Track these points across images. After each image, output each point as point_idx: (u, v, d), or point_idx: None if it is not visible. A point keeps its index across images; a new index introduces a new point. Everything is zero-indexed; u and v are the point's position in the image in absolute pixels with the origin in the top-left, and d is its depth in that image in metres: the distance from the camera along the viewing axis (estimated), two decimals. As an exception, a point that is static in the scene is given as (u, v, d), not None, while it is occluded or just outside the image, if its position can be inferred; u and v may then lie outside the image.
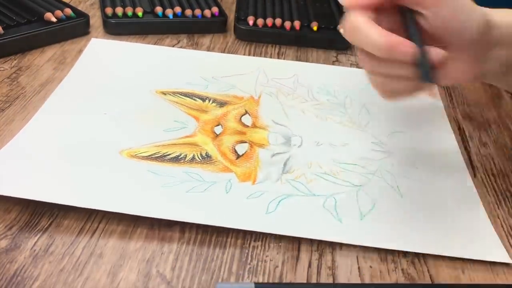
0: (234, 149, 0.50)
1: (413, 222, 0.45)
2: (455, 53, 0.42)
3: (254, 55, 0.68)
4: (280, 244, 0.42)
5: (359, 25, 0.39)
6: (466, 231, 0.44)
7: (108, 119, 0.52)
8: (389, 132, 0.56)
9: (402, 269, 0.41)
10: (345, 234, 0.42)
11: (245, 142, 0.51)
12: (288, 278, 0.39)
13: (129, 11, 0.69)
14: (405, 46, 0.38)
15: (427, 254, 0.42)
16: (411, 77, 0.39)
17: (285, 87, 0.61)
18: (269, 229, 0.42)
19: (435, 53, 0.40)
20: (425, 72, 0.37)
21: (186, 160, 0.48)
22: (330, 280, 0.39)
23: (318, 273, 0.40)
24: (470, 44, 0.42)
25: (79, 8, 0.70)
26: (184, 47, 0.68)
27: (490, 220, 0.46)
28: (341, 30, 0.41)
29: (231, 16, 0.74)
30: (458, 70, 0.43)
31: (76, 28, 0.66)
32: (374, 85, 0.44)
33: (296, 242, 0.42)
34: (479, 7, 0.43)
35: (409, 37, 0.39)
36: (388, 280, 0.40)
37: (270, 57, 0.68)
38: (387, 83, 0.42)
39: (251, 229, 0.42)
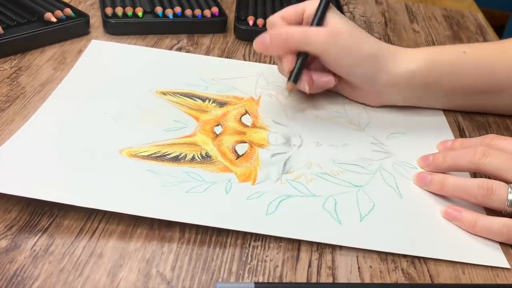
0: (234, 149, 0.50)
1: (412, 224, 0.45)
2: (349, 85, 0.56)
3: (254, 55, 0.68)
4: (280, 244, 0.42)
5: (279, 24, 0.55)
6: (465, 234, 0.44)
7: (108, 119, 0.52)
8: (389, 133, 0.56)
9: (402, 269, 0.41)
10: (345, 237, 0.42)
11: (245, 142, 0.51)
12: (288, 278, 0.39)
13: (129, 11, 0.69)
14: (288, 64, 0.54)
15: (427, 254, 0.42)
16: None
17: (285, 89, 0.61)
18: (269, 231, 0.42)
19: (327, 79, 0.55)
20: (290, 77, 0.54)
21: (186, 160, 0.48)
22: (330, 280, 0.39)
23: (318, 273, 0.40)
24: (358, 84, 0.55)
25: (79, 8, 0.70)
26: (184, 47, 0.67)
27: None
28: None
29: (231, 16, 0.74)
30: (356, 96, 0.58)
31: (76, 28, 0.66)
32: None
33: (296, 242, 0.42)
34: (378, 48, 0.55)
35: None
36: (388, 280, 0.40)
37: (270, 58, 0.68)
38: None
39: (252, 231, 0.42)
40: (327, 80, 0.55)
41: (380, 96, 0.57)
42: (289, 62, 0.53)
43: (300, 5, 0.56)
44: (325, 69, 0.56)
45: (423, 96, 0.57)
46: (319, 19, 0.54)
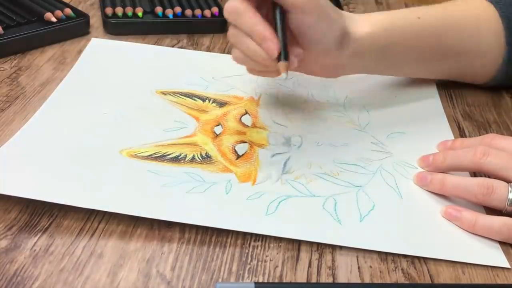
0: (234, 149, 0.50)
1: (412, 224, 0.45)
2: (313, 56, 0.51)
3: (254, 55, 0.68)
4: (280, 244, 0.42)
5: (243, 8, 0.46)
6: (465, 234, 0.44)
7: (108, 119, 0.52)
8: (389, 133, 0.56)
9: (402, 269, 0.41)
10: (345, 237, 0.42)
11: (245, 142, 0.51)
12: (288, 278, 0.39)
13: (129, 11, 0.69)
14: (273, 43, 0.45)
15: (427, 255, 0.42)
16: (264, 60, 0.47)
17: (285, 88, 0.61)
18: (269, 232, 0.42)
19: (296, 52, 0.48)
20: (280, 56, 0.46)
21: (186, 160, 0.48)
22: (330, 280, 0.39)
23: (318, 273, 0.40)
24: (325, 52, 0.52)
25: (79, 8, 0.70)
26: (184, 47, 0.68)
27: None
28: (225, 10, 0.47)
29: (231, 16, 0.74)
30: (316, 70, 0.55)
31: (76, 28, 0.66)
32: (234, 57, 0.51)
33: (296, 242, 0.42)
34: (344, 15, 0.52)
35: (275, 30, 0.46)
36: (388, 280, 0.40)
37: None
38: (245, 60, 0.50)
39: (252, 231, 0.42)
40: (298, 52, 0.49)
41: (342, 66, 0.55)
42: (270, 35, 0.45)
43: None
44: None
45: (381, 63, 0.57)
46: None
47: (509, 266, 0.42)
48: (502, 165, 0.45)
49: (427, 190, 0.48)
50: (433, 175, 0.48)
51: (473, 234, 0.44)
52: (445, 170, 0.48)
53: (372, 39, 0.54)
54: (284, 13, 0.48)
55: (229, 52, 0.68)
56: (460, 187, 0.46)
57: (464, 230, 0.44)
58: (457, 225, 0.45)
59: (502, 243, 0.44)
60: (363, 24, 0.54)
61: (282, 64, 0.47)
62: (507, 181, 0.44)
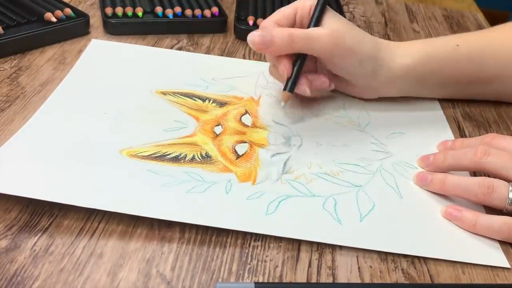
0: (234, 149, 0.50)
1: (412, 224, 0.45)
2: (347, 83, 0.56)
3: (254, 55, 0.68)
4: (280, 244, 0.42)
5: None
6: (465, 234, 0.44)
7: (108, 119, 0.52)
8: (389, 133, 0.56)
9: (402, 269, 0.41)
10: (345, 237, 0.42)
11: (245, 142, 0.51)
12: (288, 278, 0.39)
13: (129, 11, 0.69)
14: (286, 69, 0.52)
15: (427, 254, 0.42)
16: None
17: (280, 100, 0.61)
18: (269, 231, 0.42)
19: (320, 81, 0.54)
20: (286, 86, 0.53)
21: (186, 160, 0.48)
22: (330, 280, 0.39)
23: (318, 273, 0.40)
24: (358, 82, 0.55)
25: (79, 8, 0.70)
26: (184, 47, 0.68)
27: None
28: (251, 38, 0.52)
29: (231, 16, 0.74)
30: (352, 92, 0.58)
31: (76, 28, 0.66)
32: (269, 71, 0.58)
33: (296, 242, 0.42)
34: (378, 45, 0.55)
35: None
36: (388, 280, 0.40)
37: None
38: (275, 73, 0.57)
39: (252, 231, 0.42)
40: (323, 81, 0.54)
41: (377, 90, 0.57)
42: (286, 68, 0.52)
43: (291, 6, 0.54)
44: (317, 70, 0.56)
45: (417, 88, 0.58)
46: (316, 20, 0.53)
47: (509, 266, 0.42)
48: (503, 164, 0.45)
49: (427, 190, 0.48)
50: (434, 175, 0.48)
51: (473, 234, 0.44)
52: (445, 170, 0.48)
53: (408, 71, 0.55)
54: (305, 55, 0.53)
55: (229, 54, 0.68)
56: (461, 186, 0.46)
57: (465, 230, 0.44)
58: (458, 225, 0.45)
59: (502, 243, 0.44)
60: (399, 55, 0.55)
61: (284, 93, 0.53)
62: (508, 181, 0.45)
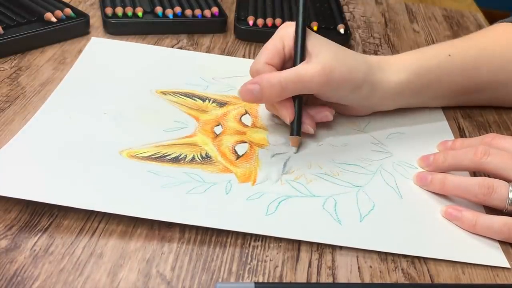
0: (234, 149, 0.50)
1: (412, 224, 0.45)
2: (344, 107, 0.55)
3: (254, 55, 0.68)
4: (280, 244, 0.42)
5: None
6: (465, 234, 0.44)
7: (108, 119, 0.52)
8: (389, 133, 0.56)
9: (402, 269, 0.41)
10: (345, 237, 0.42)
11: (245, 142, 0.51)
12: (288, 278, 0.39)
13: (129, 11, 0.69)
14: (288, 114, 0.50)
15: (427, 255, 0.42)
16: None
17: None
18: (269, 232, 0.42)
19: (322, 115, 0.53)
20: (293, 131, 0.51)
21: (186, 160, 0.48)
22: (330, 280, 0.39)
23: (318, 273, 0.40)
24: (355, 105, 0.55)
25: (79, 8, 0.70)
26: (184, 47, 0.68)
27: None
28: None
29: (231, 16, 0.74)
30: (351, 113, 0.57)
31: (76, 28, 0.66)
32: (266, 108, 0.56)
33: (296, 242, 0.42)
34: (370, 66, 0.53)
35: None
36: (388, 280, 0.40)
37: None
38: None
39: (252, 231, 0.42)
40: (325, 115, 0.53)
41: (372, 108, 0.57)
42: (288, 112, 0.50)
43: (277, 39, 0.52)
44: (317, 101, 0.54)
45: (412, 101, 0.57)
46: (301, 52, 0.51)
47: (509, 266, 0.42)
48: (503, 165, 0.45)
49: (427, 190, 0.48)
50: (434, 175, 0.48)
51: (473, 234, 0.44)
52: (445, 170, 0.48)
53: (402, 87, 0.54)
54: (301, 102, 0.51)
55: (229, 53, 0.68)
56: (461, 187, 0.46)
57: (465, 230, 0.44)
58: (458, 225, 0.45)
59: (502, 243, 0.44)
60: (392, 72, 0.54)
61: (292, 138, 0.51)
62: (508, 181, 0.44)
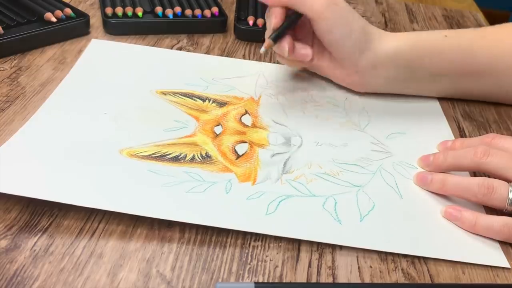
0: (234, 149, 0.50)
1: (412, 223, 0.45)
2: (336, 61, 0.55)
3: (254, 55, 0.68)
4: (280, 244, 0.42)
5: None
6: (465, 234, 0.44)
7: (108, 119, 0.52)
8: (389, 133, 0.56)
9: (402, 269, 0.41)
10: (345, 237, 0.42)
11: (245, 142, 0.51)
12: (288, 278, 0.39)
13: (129, 11, 0.69)
14: (275, 21, 0.52)
15: (427, 255, 0.42)
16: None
17: (285, 89, 0.61)
18: (269, 231, 0.42)
19: (303, 51, 0.54)
20: (272, 33, 0.52)
21: (186, 160, 0.48)
22: (330, 280, 0.39)
23: (318, 273, 0.40)
24: (346, 57, 0.55)
25: (79, 8, 0.70)
26: (184, 47, 0.68)
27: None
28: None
29: (231, 16, 0.74)
30: (341, 76, 0.58)
31: (76, 28, 0.66)
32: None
33: (296, 242, 0.42)
34: (367, 26, 0.55)
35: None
36: (388, 280, 0.40)
37: (270, 57, 0.68)
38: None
39: (252, 230, 0.42)
40: (305, 53, 0.54)
41: (362, 77, 0.56)
42: (276, 18, 0.52)
43: None
44: (305, 42, 0.56)
45: (406, 78, 0.57)
46: None
47: (509, 266, 0.42)
48: (503, 165, 0.45)
49: (427, 190, 0.48)
50: (434, 175, 0.48)
51: (474, 234, 0.44)
52: (445, 170, 0.48)
53: (394, 53, 0.55)
54: (299, 15, 0.53)
55: (229, 53, 0.68)
56: (461, 186, 0.46)
57: (465, 230, 0.44)
58: (457, 225, 0.45)
59: (502, 243, 0.44)
60: (387, 39, 0.55)
61: (267, 40, 0.52)
62: (508, 181, 0.44)
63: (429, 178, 0.48)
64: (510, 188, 0.44)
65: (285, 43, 0.52)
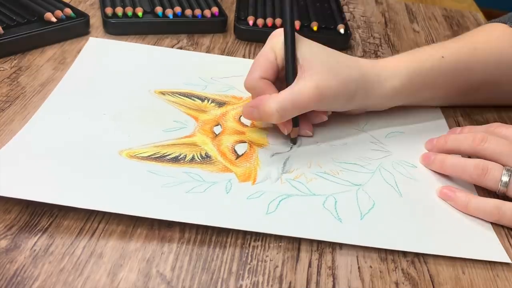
0: (234, 149, 0.50)
1: (412, 222, 0.45)
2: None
3: (254, 55, 0.68)
4: (280, 244, 0.42)
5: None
6: (465, 231, 0.44)
7: (107, 119, 0.52)
8: (388, 132, 0.56)
9: (402, 269, 0.41)
10: (345, 235, 0.42)
11: (245, 142, 0.51)
12: (288, 278, 0.39)
13: (129, 11, 0.69)
14: (286, 127, 0.51)
15: (427, 254, 0.42)
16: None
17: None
18: (269, 230, 0.42)
19: (319, 117, 0.53)
20: (292, 140, 0.52)
21: (185, 160, 0.48)
22: (330, 280, 0.39)
23: (318, 273, 0.40)
24: (351, 110, 0.55)
25: (79, 8, 0.70)
26: (184, 47, 0.68)
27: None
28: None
29: (231, 16, 0.74)
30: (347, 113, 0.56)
31: (76, 28, 0.66)
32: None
33: (296, 242, 0.42)
34: (363, 72, 0.53)
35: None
36: (388, 280, 0.40)
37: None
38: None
39: (252, 229, 0.42)
40: (320, 117, 0.53)
41: (367, 110, 0.57)
42: (286, 128, 0.51)
43: (269, 49, 0.51)
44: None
45: (408, 101, 0.58)
46: (292, 72, 0.50)
47: (509, 261, 0.42)
48: (498, 150, 0.47)
49: (429, 169, 0.51)
50: (436, 155, 0.51)
51: (473, 231, 0.44)
52: (446, 152, 0.51)
53: (397, 92, 0.54)
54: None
55: (228, 53, 0.68)
56: (458, 167, 0.49)
57: (458, 210, 0.46)
58: (451, 205, 0.47)
59: (501, 241, 0.44)
60: (387, 78, 0.53)
61: (293, 129, 0.51)
62: (503, 165, 0.47)
63: (432, 158, 0.51)
64: (504, 171, 0.46)
65: (305, 130, 0.53)
